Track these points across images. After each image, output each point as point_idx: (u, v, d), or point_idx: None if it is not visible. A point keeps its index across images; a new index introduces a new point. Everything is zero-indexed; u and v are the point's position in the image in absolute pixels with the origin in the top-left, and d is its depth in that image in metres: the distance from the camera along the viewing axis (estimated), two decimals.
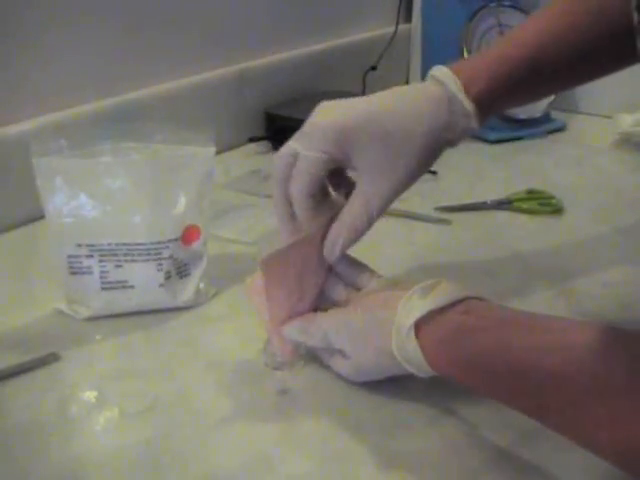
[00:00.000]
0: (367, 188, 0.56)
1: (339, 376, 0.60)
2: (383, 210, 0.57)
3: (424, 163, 0.57)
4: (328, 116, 0.56)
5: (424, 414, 0.57)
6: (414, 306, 0.52)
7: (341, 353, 0.58)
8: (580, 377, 0.44)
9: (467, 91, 0.57)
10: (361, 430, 0.56)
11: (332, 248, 0.58)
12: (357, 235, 0.57)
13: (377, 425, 0.56)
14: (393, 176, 0.56)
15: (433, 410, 0.57)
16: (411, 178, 0.57)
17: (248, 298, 0.62)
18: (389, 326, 0.53)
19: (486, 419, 0.56)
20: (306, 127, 0.57)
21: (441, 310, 0.52)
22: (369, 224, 0.57)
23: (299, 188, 0.56)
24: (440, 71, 0.58)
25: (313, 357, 0.62)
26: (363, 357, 0.56)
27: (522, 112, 1.16)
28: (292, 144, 0.57)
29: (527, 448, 0.53)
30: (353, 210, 0.57)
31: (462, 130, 0.58)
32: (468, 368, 0.51)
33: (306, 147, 0.56)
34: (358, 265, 0.61)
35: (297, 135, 0.57)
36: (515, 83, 0.59)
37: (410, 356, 0.52)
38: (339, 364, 0.59)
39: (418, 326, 0.52)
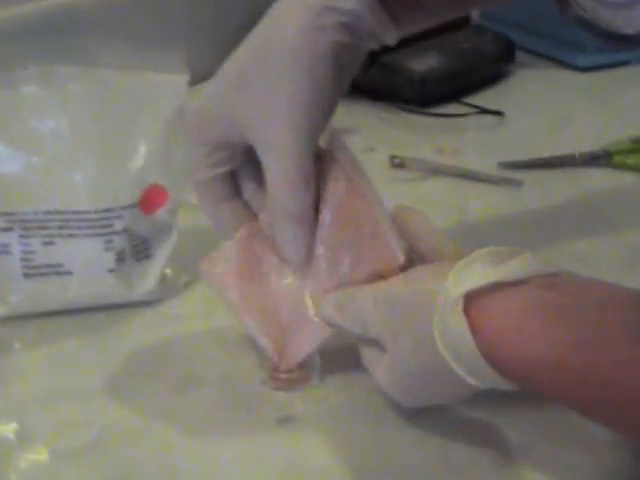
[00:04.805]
0: (268, 157, 0.58)
1: (364, 398, 0.59)
2: (306, 164, 0.58)
3: (323, 81, 0.58)
4: (192, 103, 0.63)
5: (487, 454, 0.55)
6: (472, 273, 0.50)
7: (377, 344, 0.56)
8: None
9: None
10: (394, 476, 0.54)
11: (289, 252, 0.60)
12: (299, 218, 0.59)
13: (419, 470, 0.55)
14: (284, 121, 0.57)
15: (500, 448, 0.56)
16: (316, 110, 0.58)
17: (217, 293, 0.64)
18: (434, 300, 0.51)
19: (578, 461, 0.54)
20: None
21: (512, 283, 0.50)
22: (301, 197, 0.58)
23: (203, 197, 0.62)
24: None
25: (327, 371, 0.62)
26: (400, 347, 0.54)
27: (627, 25, 1.12)
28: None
29: None
30: (273, 194, 0.59)
31: (356, 25, 0.58)
32: (551, 366, 0.48)
33: (189, 145, 0.62)
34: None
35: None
36: None
37: (455, 341, 0.49)
38: (374, 363, 0.57)
39: (474, 301, 0.49)
